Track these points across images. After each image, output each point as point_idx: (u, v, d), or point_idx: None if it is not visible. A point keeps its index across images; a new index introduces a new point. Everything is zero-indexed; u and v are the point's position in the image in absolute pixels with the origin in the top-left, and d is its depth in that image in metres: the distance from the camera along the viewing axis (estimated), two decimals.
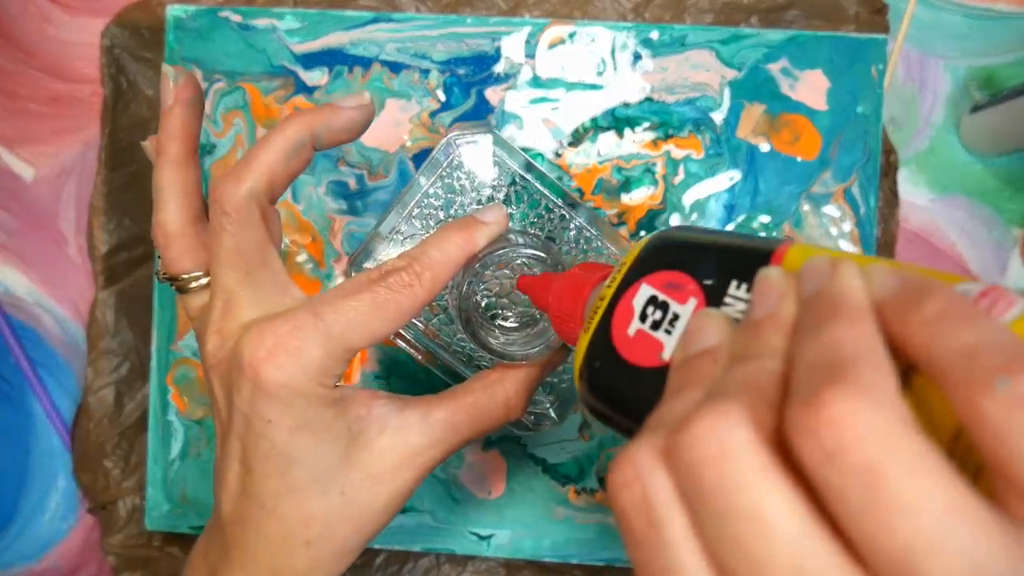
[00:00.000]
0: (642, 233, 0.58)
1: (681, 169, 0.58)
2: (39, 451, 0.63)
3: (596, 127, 0.58)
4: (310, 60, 0.59)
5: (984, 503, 0.17)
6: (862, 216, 0.58)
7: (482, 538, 0.59)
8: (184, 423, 0.60)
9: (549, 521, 0.58)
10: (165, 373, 0.60)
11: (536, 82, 0.59)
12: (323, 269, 0.59)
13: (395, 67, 0.59)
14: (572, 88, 0.59)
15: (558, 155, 0.58)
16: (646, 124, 0.58)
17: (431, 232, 0.42)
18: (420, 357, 0.45)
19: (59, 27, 0.63)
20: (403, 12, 0.60)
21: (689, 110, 0.58)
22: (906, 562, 0.17)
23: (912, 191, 0.60)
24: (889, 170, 0.59)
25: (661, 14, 0.59)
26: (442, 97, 0.59)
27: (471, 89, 0.59)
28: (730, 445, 0.20)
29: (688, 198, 0.58)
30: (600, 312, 0.32)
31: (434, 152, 0.43)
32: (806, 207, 0.58)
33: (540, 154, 0.58)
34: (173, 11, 0.59)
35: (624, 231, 0.58)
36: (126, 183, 0.62)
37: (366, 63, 0.59)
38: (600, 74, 0.58)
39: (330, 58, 0.59)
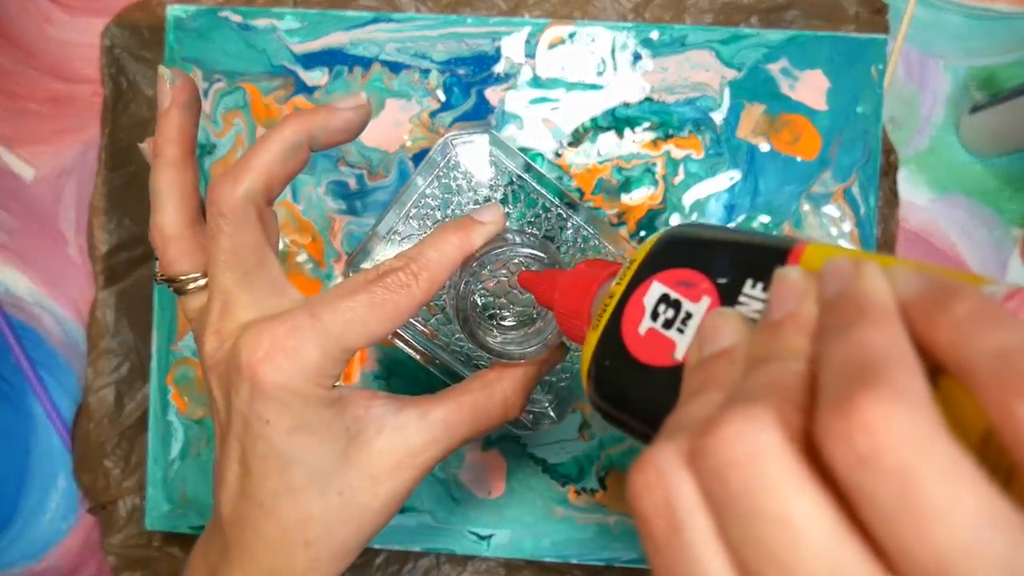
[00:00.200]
0: (642, 233, 0.58)
1: (681, 169, 0.58)
2: (39, 451, 0.63)
3: (596, 127, 0.58)
4: (310, 60, 0.59)
5: (1018, 509, 0.17)
6: (862, 216, 0.57)
7: (482, 538, 0.59)
8: (184, 423, 0.60)
9: (549, 521, 0.58)
10: (165, 373, 0.60)
11: (536, 82, 0.59)
12: (323, 269, 0.59)
13: (395, 67, 0.59)
14: (572, 88, 0.59)
15: (558, 155, 0.58)
16: (646, 124, 0.58)
17: (428, 232, 0.42)
18: (418, 357, 0.45)
19: (59, 27, 0.63)
20: (403, 12, 0.60)
21: (689, 110, 0.58)
22: (940, 569, 0.17)
23: (912, 191, 0.60)
24: (889, 170, 0.59)
25: (661, 14, 0.59)
26: (442, 97, 0.59)
27: (471, 89, 0.59)
28: (758, 448, 0.20)
29: (688, 198, 0.58)
30: (610, 310, 0.31)
31: (431, 152, 0.43)
32: (806, 207, 0.58)
33: (540, 154, 0.58)
34: (173, 11, 0.59)
35: (624, 231, 0.58)
36: (126, 183, 0.62)
37: (366, 63, 0.59)
38: (600, 74, 0.58)
39: (330, 58, 0.59)
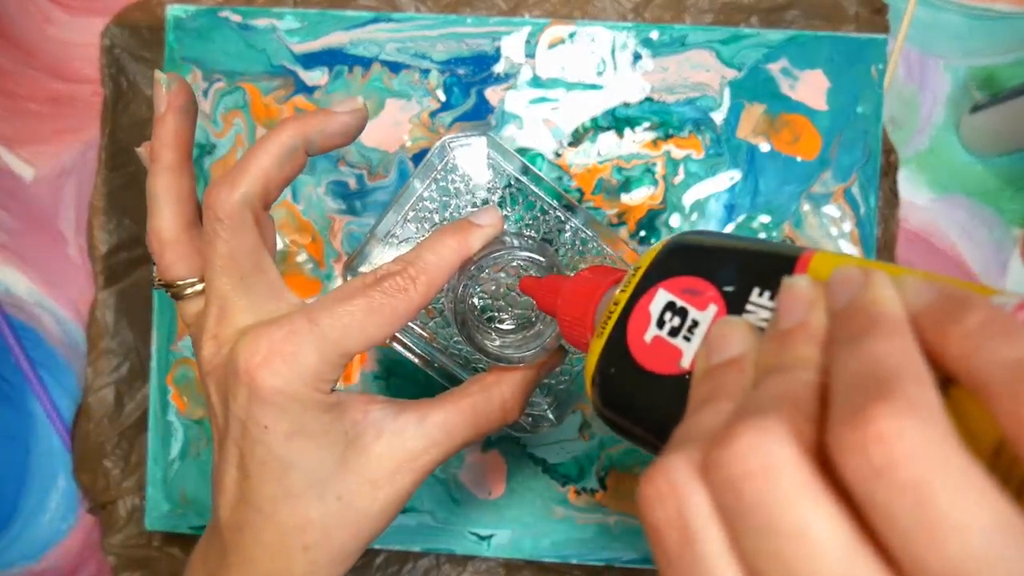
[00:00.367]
0: (642, 233, 0.58)
1: (681, 169, 0.58)
2: (39, 451, 0.63)
3: (596, 127, 0.58)
4: (310, 60, 0.59)
5: None
6: (862, 216, 0.57)
7: (482, 538, 0.59)
8: (184, 423, 0.60)
9: (549, 521, 0.58)
10: (165, 373, 0.60)
11: (536, 82, 0.59)
12: (323, 269, 0.59)
13: (395, 67, 0.59)
14: (572, 88, 0.58)
15: (558, 155, 0.58)
16: (646, 124, 0.58)
17: (427, 235, 0.42)
18: (417, 360, 0.45)
19: (59, 27, 0.63)
20: (403, 12, 0.60)
21: (689, 110, 0.58)
22: None
23: (912, 191, 0.60)
24: (889, 170, 0.59)
25: (661, 14, 0.59)
26: (442, 97, 0.59)
27: (471, 89, 0.59)
28: (773, 461, 0.20)
29: (688, 198, 0.58)
30: (615, 317, 0.31)
31: (429, 155, 0.43)
32: (806, 207, 0.58)
33: (540, 154, 0.58)
34: (173, 11, 0.59)
35: (624, 231, 0.58)
36: (126, 183, 0.62)
37: (366, 63, 0.59)
38: (600, 74, 0.58)
39: (330, 58, 0.59)
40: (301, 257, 0.59)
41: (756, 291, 0.27)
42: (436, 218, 0.44)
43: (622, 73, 0.58)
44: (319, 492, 0.35)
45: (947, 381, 0.21)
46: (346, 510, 0.36)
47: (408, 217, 0.44)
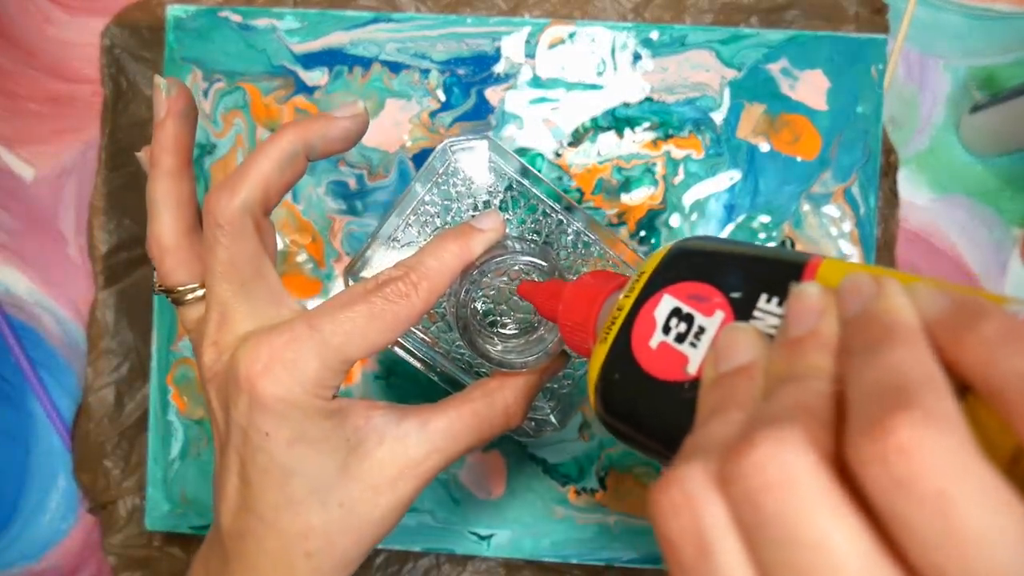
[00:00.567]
0: (642, 233, 0.58)
1: (681, 169, 0.58)
2: (39, 451, 0.63)
3: (596, 127, 0.58)
4: (310, 60, 0.59)
5: None
6: (862, 216, 0.57)
7: (482, 538, 0.59)
8: (184, 423, 0.60)
9: (549, 521, 0.59)
10: (165, 373, 0.60)
11: (536, 82, 0.58)
12: (323, 269, 0.59)
13: (395, 67, 0.59)
14: (572, 88, 0.58)
15: (558, 155, 0.58)
16: (646, 124, 0.58)
17: (428, 239, 0.42)
18: (419, 365, 0.45)
19: (59, 27, 0.63)
20: (403, 12, 0.60)
21: (689, 110, 0.58)
22: None
23: (912, 191, 0.60)
24: (889, 170, 0.59)
25: (661, 14, 0.59)
26: (442, 97, 0.59)
27: (471, 89, 0.59)
28: (791, 472, 0.19)
29: (688, 198, 0.58)
30: (619, 323, 0.31)
31: (430, 159, 0.43)
32: (806, 207, 0.58)
33: (540, 154, 0.58)
34: (173, 11, 0.59)
35: (624, 231, 0.58)
36: (126, 183, 0.62)
37: (366, 63, 0.59)
38: (600, 74, 0.58)
39: (330, 58, 0.59)
40: (301, 257, 0.59)
41: (763, 297, 0.27)
42: (438, 222, 0.44)
43: (622, 73, 0.58)
44: (321, 499, 0.35)
45: (962, 390, 0.20)
46: (348, 517, 0.36)
47: (410, 221, 0.44)
